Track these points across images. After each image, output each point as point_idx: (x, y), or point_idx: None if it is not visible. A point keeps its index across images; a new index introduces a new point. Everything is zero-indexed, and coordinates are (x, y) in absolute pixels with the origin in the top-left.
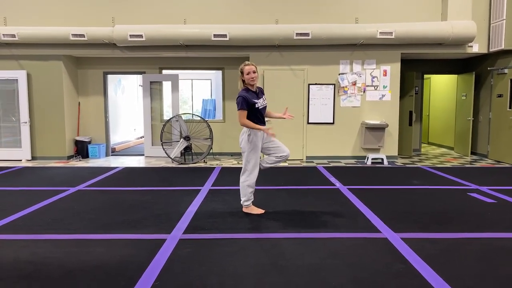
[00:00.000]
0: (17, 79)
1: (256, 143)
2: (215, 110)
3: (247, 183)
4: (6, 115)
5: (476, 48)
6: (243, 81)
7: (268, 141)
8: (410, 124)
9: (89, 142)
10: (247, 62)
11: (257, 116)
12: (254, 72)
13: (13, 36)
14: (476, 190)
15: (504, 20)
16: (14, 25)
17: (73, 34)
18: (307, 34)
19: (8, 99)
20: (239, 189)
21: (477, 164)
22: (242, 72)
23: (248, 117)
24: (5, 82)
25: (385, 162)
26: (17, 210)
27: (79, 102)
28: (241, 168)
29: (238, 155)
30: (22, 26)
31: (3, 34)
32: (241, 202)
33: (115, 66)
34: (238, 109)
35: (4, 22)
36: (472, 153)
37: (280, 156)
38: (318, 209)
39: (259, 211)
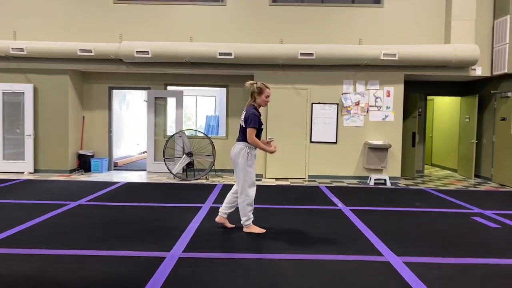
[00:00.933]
0: (23, 92)
1: (254, 161)
2: (218, 126)
3: (246, 202)
4: (11, 128)
5: (479, 71)
6: (254, 98)
7: None
8: (413, 145)
9: (92, 156)
10: (266, 84)
11: (259, 137)
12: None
13: (22, 50)
14: (479, 214)
15: (507, 44)
16: (23, 39)
17: (81, 49)
18: (311, 54)
19: (14, 111)
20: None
21: (481, 187)
22: (261, 91)
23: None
24: (11, 94)
25: (388, 183)
26: (17, 224)
27: (83, 116)
28: None
29: None
30: (31, 40)
31: (12, 48)
32: (242, 222)
33: (121, 81)
34: (250, 127)
35: (14, 36)
36: (476, 176)
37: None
38: (320, 230)
39: (260, 230)
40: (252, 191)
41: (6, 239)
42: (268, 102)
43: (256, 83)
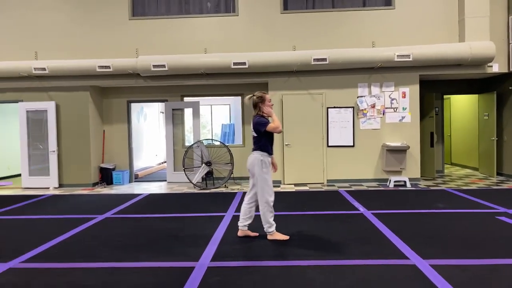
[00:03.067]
0: (46, 110)
1: (268, 168)
2: (234, 134)
3: (267, 209)
4: (35, 144)
5: (496, 68)
6: (259, 108)
7: None
8: (432, 145)
9: (113, 169)
10: (263, 91)
11: (271, 141)
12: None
13: (44, 69)
14: (504, 214)
15: None
16: (44, 59)
17: (100, 66)
18: (324, 59)
19: (38, 128)
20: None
21: (504, 186)
22: (263, 100)
23: (266, 141)
24: (35, 112)
25: (408, 185)
26: (50, 238)
27: (103, 130)
28: None
29: None
30: (52, 59)
31: (34, 68)
32: (265, 229)
33: (139, 94)
34: (267, 125)
35: (35, 56)
36: (498, 173)
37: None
38: (343, 235)
39: (284, 237)
40: (271, 198)
41: (41, 254)
42: (272, 105)
43: (253, 95)
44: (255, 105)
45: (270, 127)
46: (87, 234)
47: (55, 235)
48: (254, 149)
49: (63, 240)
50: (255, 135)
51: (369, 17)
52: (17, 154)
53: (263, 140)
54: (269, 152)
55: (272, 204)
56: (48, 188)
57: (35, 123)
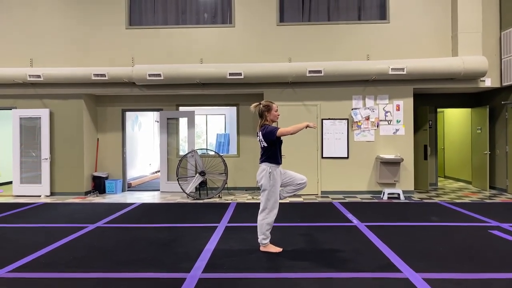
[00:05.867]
0: (40, 117)
1: (277, 179)
2: (228, 144)
3: (266, 221)
4: (28, 152)
5: (488, 82)
6: (265, 117)
7: (284, 177)
8: (426, 158)
9: (106, 178)
10: (270, 100)
11: (281, 150)
12: None
13: (39, 76)
14: (497, 228)
15: None
16: (39, 66)
17: (95, 74)
18: (319, 71)
19: (31, 135)
20: (255, 226)
21: (497, 199)
22: (269, 109)
23: (276, 150)
24: (28, 119)
25: (402, 197)
26: (39, 248)
27: (97, 139)
28: (256, 203)
29: (252, 189)
30: (47, 67)
31: (29, 75)
32: (259, 240)
33: (133, 103)
34: (277, 131)
35: (30, 63)
36: (491, 187)
37: (298, 184)
38: (337, 247)
39: (277, 249)
40: (274, 211)
41: (29, 263)
42: (278, 115)
43: (260, 104)
44: (261, 114)
45: (280, 131)
46: (77, 244)
47: (44, 244)
48: (262, 161)
49: (52, 249)
50: (266, 145)
51: (364, 31)
52: (9, 161)
53: (273, 150)
54: (279, 161)
55: (273, 218)
56: (40, 196)
57: (28, 130)
